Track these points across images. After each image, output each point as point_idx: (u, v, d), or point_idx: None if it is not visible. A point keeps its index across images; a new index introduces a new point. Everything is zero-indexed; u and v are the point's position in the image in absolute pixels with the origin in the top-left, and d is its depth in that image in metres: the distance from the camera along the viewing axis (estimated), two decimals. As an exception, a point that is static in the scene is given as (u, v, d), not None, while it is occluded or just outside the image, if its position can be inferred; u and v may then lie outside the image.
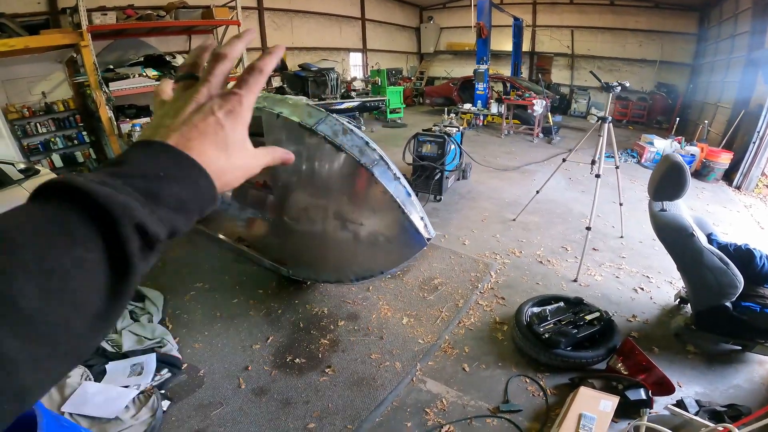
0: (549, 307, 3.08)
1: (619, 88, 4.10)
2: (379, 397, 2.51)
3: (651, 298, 3.56)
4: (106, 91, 6.67)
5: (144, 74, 7.49)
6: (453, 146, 5.78)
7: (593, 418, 2.09)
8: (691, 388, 2.55)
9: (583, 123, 11.11)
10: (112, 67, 7.44)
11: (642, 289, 3.71)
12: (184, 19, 8.22)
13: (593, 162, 4.21)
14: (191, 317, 3.38)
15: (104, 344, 2.88)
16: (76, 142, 7.14)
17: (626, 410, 2.25)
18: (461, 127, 6.44)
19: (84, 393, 2.36)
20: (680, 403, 2.34)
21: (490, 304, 3.51)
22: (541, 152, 8.15)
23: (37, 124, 6.84)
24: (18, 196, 4.35)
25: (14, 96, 6.77)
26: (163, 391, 2.52)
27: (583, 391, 2.28)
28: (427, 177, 5.85)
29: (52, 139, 6.93)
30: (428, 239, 2.67)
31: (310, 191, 2.96)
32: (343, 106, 9.73)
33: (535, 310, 3.06)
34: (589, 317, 2.90)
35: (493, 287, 3.77)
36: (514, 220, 5.27)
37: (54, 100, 7.08)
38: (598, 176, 3.96)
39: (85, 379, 2.51)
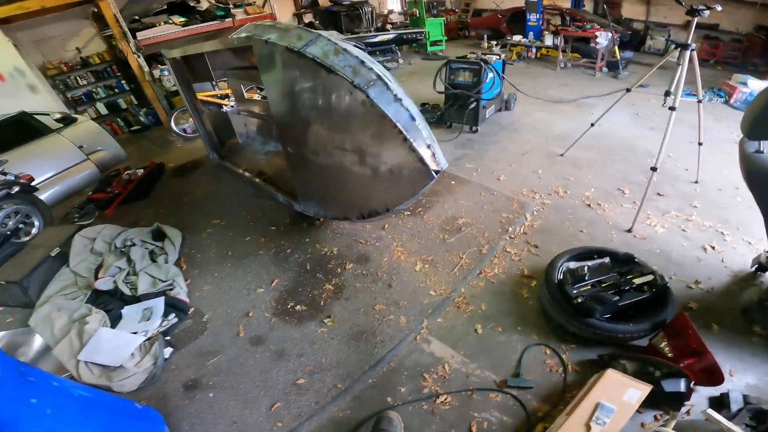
0: (590, 263, 2.49)
1: (707, 11, 2.83)
2: (376, 356, 2.29)
3: (722, 261, 2.76)
4: (133, 41, 6.44)
5: (170, 21, 7.01)
6: (492, 74, 4.85)
7: (612, 410, 1.68)
8: (743, 378, 1.97)
9: (660, 60, 8.76)
10: (137, 17, 7.02)
11: (713, 247, 2.89)
12: None
13: (667, 93, 3.12)
14: (205, 256, 3.33)
15: (123, 287, 2.92)
16: (116, 90, 7.39)
17: (657, 401, 1.79)
18: (503, 56, 5.31)
19: (98, 340, 2.41)
20: (724, 398, 1.83)
21: (520, 252, 2.98)
22: (604, 86, 6.73)
23: (77, 77, 7.12)
24: (56, 142, 4.46)
25: (49, 54, 6.89)
26: (168, 338, 2.53)
27: (610, 375, 1.83)
28: (461, 106, 5.06)
29: (94, 90, 7.20)
30: (436, 171, 2.15)
31: (305, 118, 2.55)
32: (377, 39, 8.90)
33: (572, 265, 2.49)
34: (638, 280, 2.29)
35: (527, 232, 3.19)
36: (562, 155, 4.37)
37: (89, 54, 7.20)
38: (672, 109, 2.92)
39: (103, 325, 2.57)
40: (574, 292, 2.25)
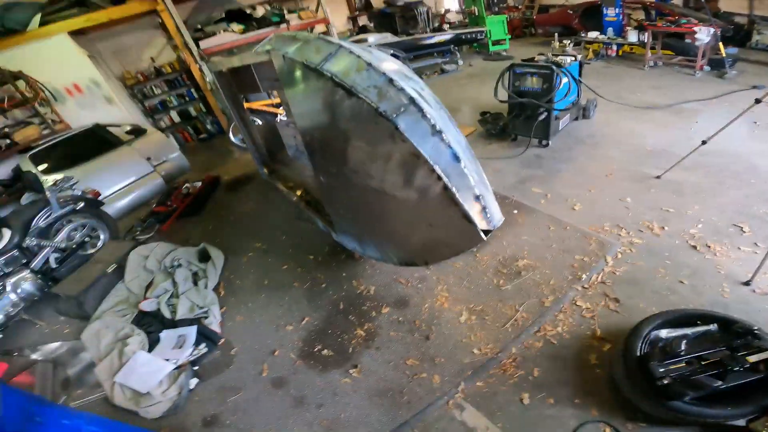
0: (689, 332, 2.13)
1: None
2: (400, 418, 2.21)
3: None
4: (195, 49, 7.31)
5: (229, 29, 7.88)
6: (566, 79, 4.52)
7: None
8: None
9: (774, 57, 7.52)
10: (200, 26, 8.03)
11: None
12: None
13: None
14: (243, 283, 3.58)
15: (165, 309, 3.26)
16: (187, 98, 8.45)
17: None
18: (579, 56, 4.91)
19: (135, 363, 2.73)
20: None
21: (594, 307, 2.67)
22: (708, 88, 5.89)
23: (152, 86, 8.22)
24: (127, 154, 5.22)
25: (128, 64, 8.09)
26: (196, 367, 2.75)
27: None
28: (528, 117, 4.79)
29: (168, 98, 8.31)
30: (486, 232, 1.97)
31: (331, 144, 2.49)
32: (433, 41, 9.09)
33: (663, 334, 2.15)
34: (754, 358, 1.89)
35: (606, 281, 2.86)
36: (658, 177, 3.86)
37: (161, 64, 8.30)
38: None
39: (142, 347, 2.89)
40: (661, 371, 1.93)
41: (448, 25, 11.24)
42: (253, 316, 3.15)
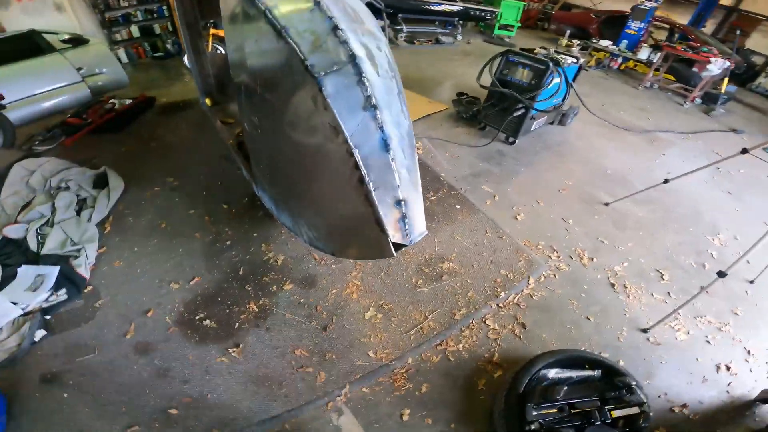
0: (574, 375, 2.25)
1: None
2: (271, 411, 2.18)
3: (728, 385, 2.55)
4: None
5: None
6: (558, 80, 4.43)
7: None
8: None
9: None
10: None
11: (728, 368, 2.66)
12: None
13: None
14: (136, 222, 3.29)
15: (31, 239, 2.92)
16: (155, 15, 7.75)
17: None
18: (580, 60, 4.82)
19: None
20: None
21: (501, 329, 2.75)
22: (691, 122, 6.23)
23: None
24: (55, 61, 4.71)
25: None
26: (48, 316, 2.50)
27: None
28: (503, 110, 4.71)
29: (133, 12, 7.53)
30: (398, 246, 1.80)
31: (255, 92, 2.20)
32: (439, 8, 8.52)
33: (551, 374, 2.25)
34: (618, 413, 2.06)
35: (521, 304, 2.94)
36: (607, 204, 4.02)
37: None
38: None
39: None
40: (534, 414, 2.03)
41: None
42: (135, 265, 2.91)
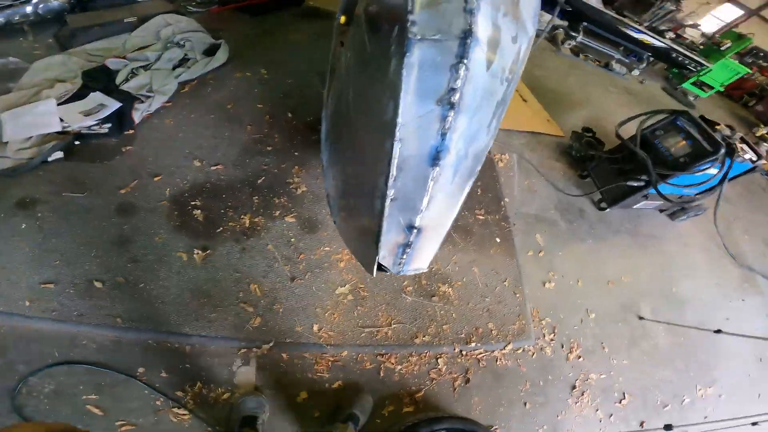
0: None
1: None
2: (184, 328, 2.06)
3: None
4: None
5: None
6: (716, 172, 3.33)
7: None
8: None
9: None
10: None
11: None
12: None
13: None
14: (211, 93, 3.23)
15: (123, 73, 3.01)
16: None
17: None
18: (761, 161, 3.53)
19: (31, 108, 2.50)
20: None
21: (445, 375, 2.34)
22: None
23: None
24: None
25: None
26: (77, 142, 2.50)
27: None
28: (621, 171, 3.73)
29: None
30: (381, 268, 1.43)
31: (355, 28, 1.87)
32: (637, 35, 6.54)
33: None
34: None
35: (482, 360, 2.47)
36: (641, 318, 3.18)
37: None
38: None
39: (58, 97, 2.65)
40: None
41: (673, 36, 8.25)
42: (182, 129, 2.85)
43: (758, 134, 3.83)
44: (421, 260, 1.42)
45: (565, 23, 7.05)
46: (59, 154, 2.41)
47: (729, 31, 8.87)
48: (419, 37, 1.09)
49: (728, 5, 10.25)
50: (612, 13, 6.69)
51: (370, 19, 1.56)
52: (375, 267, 1.41)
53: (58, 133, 2.50)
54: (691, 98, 7.88)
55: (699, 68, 7.12)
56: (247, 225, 2.50)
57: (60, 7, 3.53)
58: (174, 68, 3.29)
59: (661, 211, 4.25)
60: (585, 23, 7.10)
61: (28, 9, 3.38)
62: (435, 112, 1.15)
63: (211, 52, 3.59)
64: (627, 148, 3.66)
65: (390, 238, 1.34)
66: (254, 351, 2.07)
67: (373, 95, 1.46)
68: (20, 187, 2.27)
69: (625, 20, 6.73)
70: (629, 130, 3.70)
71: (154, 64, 3.24)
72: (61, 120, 2.54)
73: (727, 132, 3.45)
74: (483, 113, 1.25)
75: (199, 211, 2.45)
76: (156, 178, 2.51)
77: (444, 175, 1.22)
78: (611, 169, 3.86)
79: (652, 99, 7.11)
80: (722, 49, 7.88)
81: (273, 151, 2.93)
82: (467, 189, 1.38)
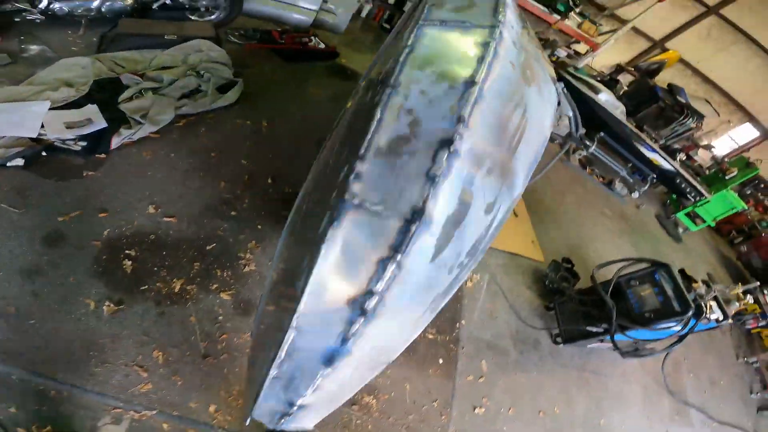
0: None
1: None
2: (77, 379, 1.81)
3: None
4: None
5: None
6: (678, 329, 3.14)
7: None
8: None
9: None
10: None
11: None
12: None
13: None
14: (203, 135, 3.16)
15: (128, 92, 2.97)
16: None
17: None
18: (726, 321, 3.29)
19: (21, 107, 2.43)
20: None
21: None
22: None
23: None
24: None
25: None
26: (45, 153, 2.39)
27: None
28: (586, 314, 3.54)
29: None
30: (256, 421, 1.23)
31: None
32: (649, 154, 6.47)
33: None
34: None
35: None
36: None
37: None
38: None
39: (55, 102, 2.61)
40: None
41: (684, 158, 8.18)
42: (153, 165, 2.71)
43: (733, 292, 3.70)
44: (304, 423, 1.24)
45: (583, 131, 7.06)
46: (19, 161, 2.28)
47: (739, 158, 8.71)
48: (357, 202, 0.91)
49: (748, 125, 10.25)
50: (632, 126, 6.23)
51: (348, 122, 1.43)
52: (249, 418, 1.22)
53: (31, 138, 2.39)
54: (681, 230, 7.66)
55: (698, 198, 6.99)
56: (176, 290, 2.30)
57: (121, 8, 3.59)
58: (181, 97, 3.25)
59: (617, 350, 4.01)
60: (603, 133, 6.99)
61: (94, 4, 3.44)
62: (342, 313, 0.99)
63: (226, 88, 3.57)
64: (597, 293, 3.48)
65: (268, 405, 1.17)
66: (131, 413, 1.82)
67: (301, 236, 1.33)
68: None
69: (642, 135, 6.28)
70: (607, 273, 3.59)
71: (164, 89, 3.19)
72: (42, 126, 2.43)
73: (702, 291, 3.25)
74: (411, 312, 1.09)
75: (130, 262, 2.26)
76: (101, 215, 2.34)
77: (341, 371, 1.06)
78: (577, 310, 3.68)
79: (644, 228, 6.96)
80: (727, 177, 7.65)
81: (236, 218, 2.74)
82: (376, 373, 1.21)
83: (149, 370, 1.98)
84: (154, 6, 3.85)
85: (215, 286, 2.40)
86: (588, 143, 7.03)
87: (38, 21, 3.27)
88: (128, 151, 2.72)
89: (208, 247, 2.51)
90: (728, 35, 8.93)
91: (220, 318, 2.31)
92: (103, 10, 3.51)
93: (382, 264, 0.91)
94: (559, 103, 1.69)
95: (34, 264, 2.04)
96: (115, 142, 2.63)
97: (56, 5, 3.26)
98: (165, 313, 2.19)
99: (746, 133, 10.35)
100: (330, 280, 0.97)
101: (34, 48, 3.15)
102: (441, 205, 0.93)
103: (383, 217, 0.91)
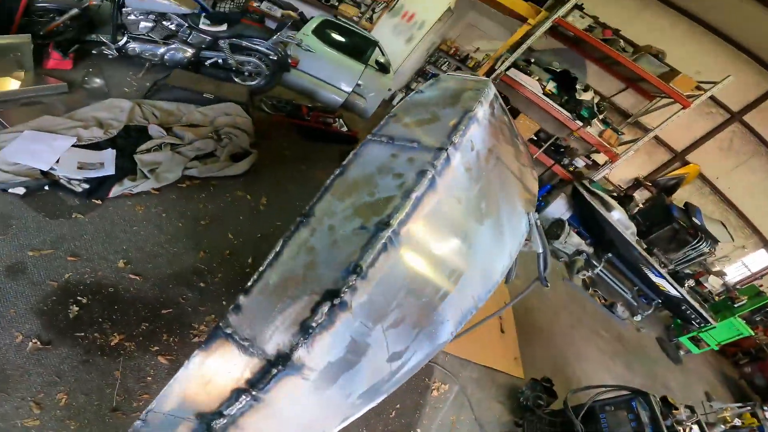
0: None
1: None
2: None
3: None
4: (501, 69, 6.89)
5: (542, 83, 7.02)
6: None
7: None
8: None
9: None
10: (530, 59, 7.36)
11: None
12: (643, 67, 6.76)
13: None
14: (198, 201, 3.25)
15: (150, 143, 3.16)
16: None
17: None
18: None
19: (49, 139, 2.63)
20: None
21: None
22: None
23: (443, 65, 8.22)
24: (356, 69, 5.13)
25: (462, 39, 8.26)
26: (47, 187, 2.49)
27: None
28: None
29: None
30: None
31: None
32: (655, 279, 6.12)
33: None
34: None
35: None
36: None
37: None
38: None
39: (80, 141, 2.80)
40: None
41: (693, 283, 7.71)
42: (141, 222, 2.75)
43: (720, 416, 3.16)
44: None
45: (591, 250, 6.79)
46: (20, 190, 2.39)
47: (750, 286, 8.23)
48: (228, 332, 0.95)
49: (763, 251, 9.46)
50: (641, 249, 6.50)
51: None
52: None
53: (41, 171, 2.51)
54: (682, 353, 7.07)
55: (703, 324, 6.66)
56: (112, 343, 2.19)
57: (180, 59, 4.03)
58: (194, 158, 3.40)
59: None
60: (611, 254, 6.75)
61: (160, 51, 3.89)
62: (189, 423, 0.96)
63: (239, 157, 3.74)
64: (567, 419, 3.16)
65: None
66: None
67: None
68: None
69: (651, 260, 6.45)
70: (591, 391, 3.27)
71: (182, 146, 3.37)
72: (56, 161, 2.58)
73: (683, 417, 2.99)
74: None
75: (77, 308, 2.20)
76: (71, 258, 2.35)
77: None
78: (545, 430, 3.35)
79: (641, 351, 6.38)
80: (736, 306, 7.26)
81: (203, 290, 2.66)
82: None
83: (44, 409, 1.82)
84: (207, 63, 4.29)
85: (156, 348, 2.27)
86: (595, 263, 6.79)
87: (111, 57, 3.69)
88: (123, 202, 2.80)
89: (163, 311, 2.43)
90: (750, 145, 8.74)
91: (149, 379, 2.15)
92: (166, 57, 3.97)
93: (236, 393, 0.92)
94: (529, 238, 1.58)
95: (-16, 288, 2.00)
96: (115, 191, 2.74)
97: (131, 45, 3.72)
98: (90, 362, 2.05)
99: (760, 259, 9.71)
100: (187, 392, 0.93)
101: (95, 82, 3.51)
102: (317, 354, 0.90)
103: (249, 353, 0.93)
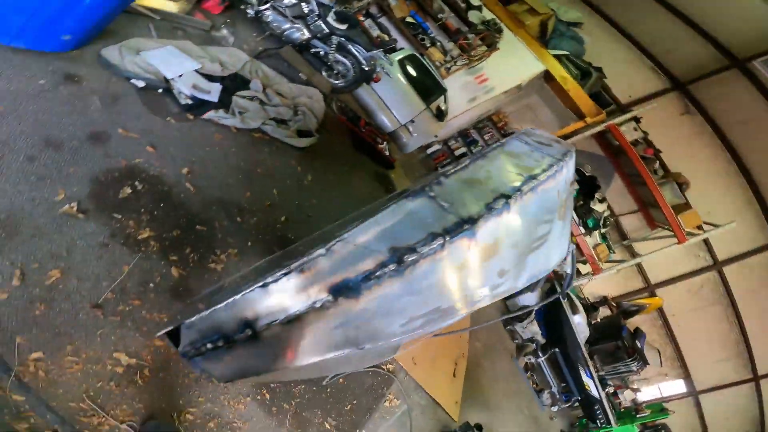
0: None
1: None
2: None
3: None
4: None
5: None
6: None
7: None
8: None
9: None
10: None
11: None
12: (664, 194, 5.98)
13: None
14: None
15: (256, 90, 3.24)
16: None
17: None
18: None
19: (180, 55, 2.74)
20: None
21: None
22: None
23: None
24: (416, 106, 5.04)
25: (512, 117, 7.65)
26: (160, 91, 2.56)
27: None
28: None
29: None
30: None
31: None
32: (585, 378, 5.50)
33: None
34: None
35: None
36: None
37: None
38: None
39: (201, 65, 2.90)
40: None
41: (611, 391, 7.27)
42: (222, 146, 2.74)
43: None
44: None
45: (542, 341, 6.56)
46: (141, 83, 2.51)
47: (657, 404, 7.94)
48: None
49: (681, 382, 9.05)
50: (585, 352, 6.28)
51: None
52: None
53: (165, 77, 2.66)
54: None
55: (604, 425, 6.28)
56: (139, 237, 1.97)
57: (295, 39, 4.02)
58: (272, 119, 3.45)
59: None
60: (557, 349, 6.49)
61: (285, 26, 3.91)
62: (376, 255, 1.01)
63: (303, 134, 3.80)
64: None
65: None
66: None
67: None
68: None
69: (589, 362, 6.21)
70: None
71: (268, 106, 3.50)
72: (180, 75, 2.72)
73: None
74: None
75: (130, 191, 2.08)
76: (149, 149, 2.36)
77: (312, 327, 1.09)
78: None
79: None
80: (637, 416, 7.17)
81: (238, 224, 2.58)
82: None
83: (25, 281, 1.54)
84: (312, 50, 4.28)
85: (174, 258, 2.14)
86: (540, 354, 6.65)
87: (249, 15, 3.77)
88: (209, 126, 2.94)
89: (198, 227, 2.39)
90: (715, 295, 8.05)
91: (151, 285, 1.94)
92: (285, 33, 3.98)
93: (431, 236, 1.02)
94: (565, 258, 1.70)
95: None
96: (209, 114, 2.91)
97: (268, 12, 3.75)
98: (108, 246, 1.87)
99: (676, 387, 9.43)
100: (385, 227, 1.04)
101: (225, 31, 3.63)
102: (490, 228, 1.11)
103: (446, 212, 1.08)
